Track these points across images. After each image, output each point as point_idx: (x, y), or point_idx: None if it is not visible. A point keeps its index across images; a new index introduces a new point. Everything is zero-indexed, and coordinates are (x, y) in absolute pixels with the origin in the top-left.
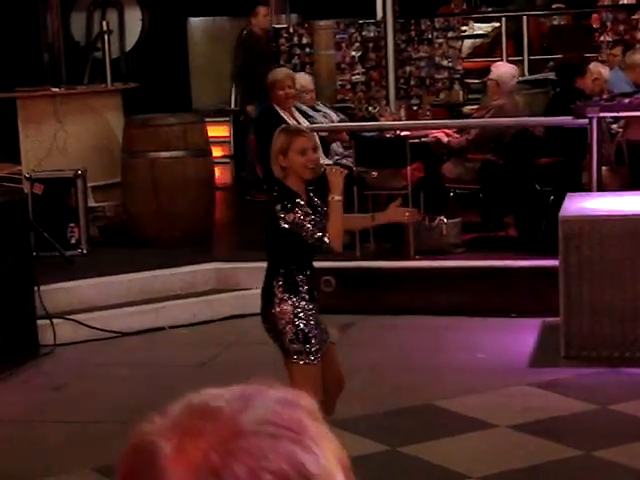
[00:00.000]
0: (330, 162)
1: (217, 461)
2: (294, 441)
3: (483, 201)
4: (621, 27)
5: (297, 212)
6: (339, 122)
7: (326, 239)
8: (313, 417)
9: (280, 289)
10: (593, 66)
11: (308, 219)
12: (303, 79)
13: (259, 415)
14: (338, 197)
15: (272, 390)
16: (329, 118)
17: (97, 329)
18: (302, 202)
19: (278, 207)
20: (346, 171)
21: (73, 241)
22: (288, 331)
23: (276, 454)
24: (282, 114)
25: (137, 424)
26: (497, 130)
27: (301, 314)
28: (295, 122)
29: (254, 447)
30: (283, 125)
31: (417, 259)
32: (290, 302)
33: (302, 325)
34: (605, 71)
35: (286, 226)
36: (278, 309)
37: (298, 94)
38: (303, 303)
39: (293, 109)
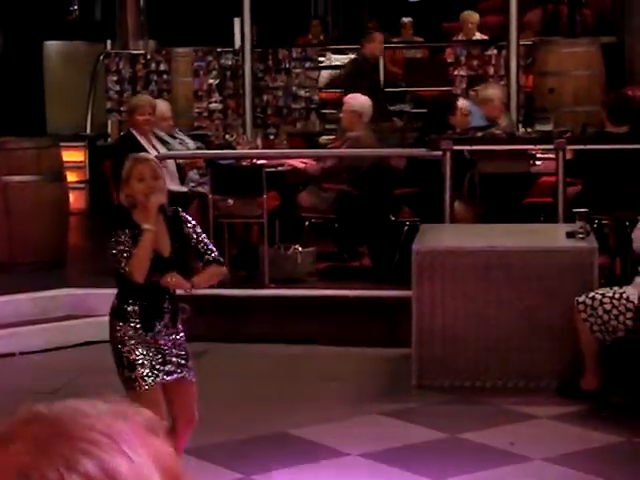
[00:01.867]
0: (185, 189)
1: (28, 462)
2: (110, 447)
3: (338, 231)
4: (475, 62)
5: (114, 242)
6: (195, 150)
7: (127, 268)
8: (142, 429)
9: (113, 316)
10: (461, 103)
11: (121, 249)
12: (163, 106)
13: (84, 422)
14: (146, 226)
15: (107, 404)
16: (186, 146)
17: None
18: (124, 233)
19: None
20: (161, 201)
21: None
22: (117, 359)
23: (88, 457)
24: (140, 139)
25: None
26: (353, 161)
27: (128, 341)
28: (152, 148)
29: (68, 450)
30: (131, 154)
31: (272, 287)
32: (118, 329)
33: (127, 353)
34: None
35: (111, 254)
36: (111, 336)
37: (157, 121)
38: (131, 332)
39: (151, 135)
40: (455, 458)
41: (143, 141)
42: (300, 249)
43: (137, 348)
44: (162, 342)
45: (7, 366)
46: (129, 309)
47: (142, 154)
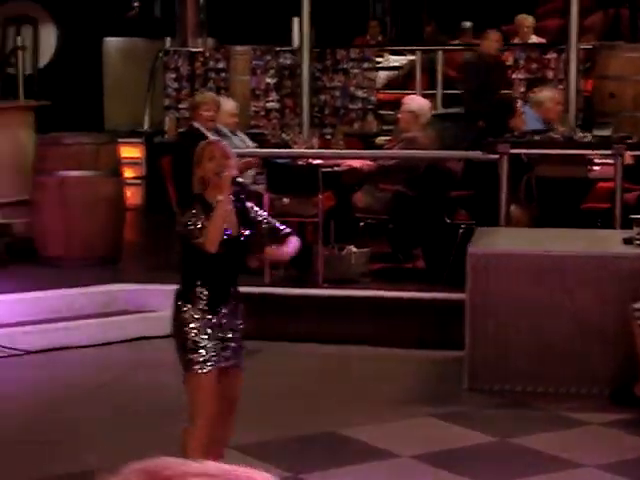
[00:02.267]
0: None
1: None
2: None
3: (393, 232)
4: (534, 65)
5: (187, 215)
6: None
7: (200, 239)
8: None
9: (179, 298)
10: (520, 105)
11: (195, 220)
12: (230, 103)
13: None
14: (220, 197)
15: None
16: (245, 144)
17: (2, 347)
18: (196, 208)
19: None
20: (234, 174)
21: None
22: (180, 340)
23: None
24: (206, 133)
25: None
26: (409, 162)
27: (194, 323)
28: None
29: None
30: (206, 140)
31: (325, 287)
32: (185, 310)
33: (192, 335)
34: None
35: (178, 229)
36: (175, 317)
37: (223, 117)
38: (197, 315)
39: (213, 133)
40: (506, 463)
41: (208, 135)
42: (354, 249)
43: (201, 331)
44: (225, 327)
45: (62, 360)
46: (197, 290)
47: (210, 140)
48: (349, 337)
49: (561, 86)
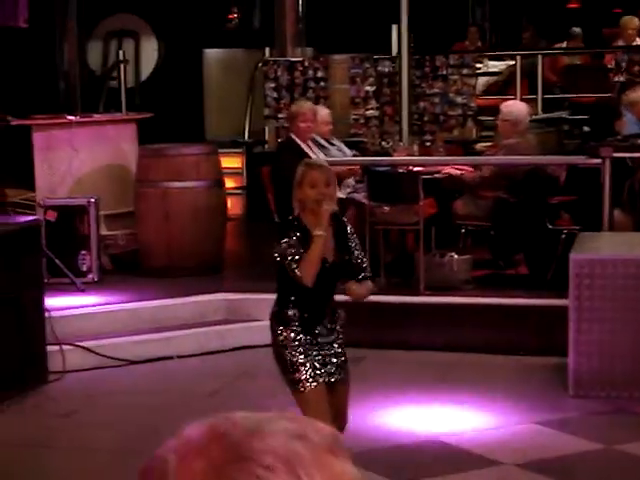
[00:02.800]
0: (342, 196)
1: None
2: (286, 473)
3: (494, 238)
4: (636, 68)
5: (282, 245)
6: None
7: (297, 272)
8: (322, 450)
9: (274, 320)
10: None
11: (290, 253)
12: (324, 111)
13: (262, 445)
14: (318, 232)
15: (286, 421)
16: (343, 153)
17: (106, 357)
18: (296, 236)
19: (279, 239)
20: (333, 208)
21: (84, 268)
22: (280, 362)
23: (276, 476)
24: (302, 145)
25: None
26: (510, 168)
27: (290, 344)
28: (313, 154)
29: (246, 474)
30: (305, 159)
31: (427, 294)
32: (279, 332)
33: (289, 356)
34: None
35: (277, 257)
36: (273, 340)
37: (318, 125)
38: (292, 335)
39: (310, 142)
40: (611, 470)
41: (305, 148)
42: (456, 256)
43: (299, 350)
44: (322, 343)
45: (166, 369)
46: (290, 313)
47: (316, 159)
48: (452, 344)
49: None
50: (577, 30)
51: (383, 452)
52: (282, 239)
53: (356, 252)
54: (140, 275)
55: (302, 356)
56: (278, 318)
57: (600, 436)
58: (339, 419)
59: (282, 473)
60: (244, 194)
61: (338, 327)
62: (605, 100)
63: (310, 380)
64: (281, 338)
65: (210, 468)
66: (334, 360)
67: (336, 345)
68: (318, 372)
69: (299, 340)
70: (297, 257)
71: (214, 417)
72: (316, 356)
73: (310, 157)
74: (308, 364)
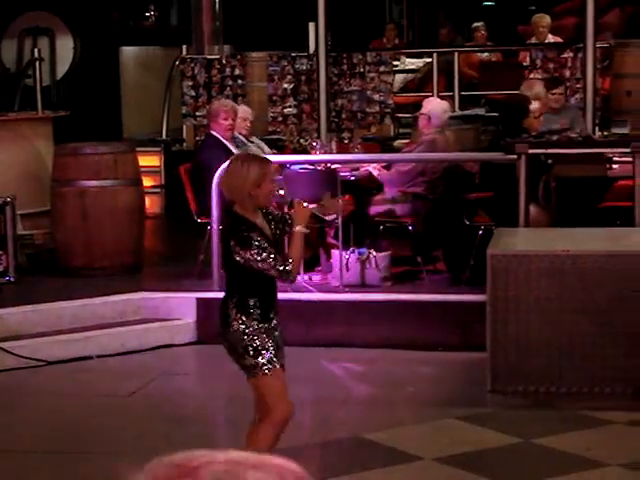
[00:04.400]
0: None
1: None
2: None
3: (413, 235)
4: (550, 65)
5: (253, 249)
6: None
7: (288, 268)
8: None
9: (233, 310)
10: (533, 105)
11: (266, 254)
12: (243, 109)
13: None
14: (301, 229)
15: (253, 471)
16: (262, 150)
17: (24, 357)
18: (258, 237)
19: (232, 242)
20: (312, 206)
21: (1, 269)
22: (241, 348)
23: None
24: (225, 142)
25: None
26: (428, 165)
27: (252, 331)
28: (235, 150)
29: None
30: (248, 153)
31: (346, 291)
32: (242, 321)
33: (250, 342)
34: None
35: (240, 261)
36: (232, 329)
37: (238, 122)
38: (254, 322)
39: (231, 140)
40: (530, 463)
41: (227, 144)
42: (374, 253)
43: (261, 337)
44: (274, 329)
45: (85, 369)
46: (250, 302)
47: (255, 154)
48: (371, 341)
49: (578, 85)
50: (479, 24)
51: (303, 450)
52: (239, 244)
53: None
54: (58, 275)
55: (263, 342)
56: (238, 307)
57: (518, 430)
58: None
59: None
60: (162, 193)
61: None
62: (515, 97)
63: (272, 364)
64: (243, 326)
65: None
66: (281, 344)
67: (282, 333)
68: (275, 357)
69: (260, 327)
70: (273, 255)
71: (178, 458)
72: (272, 341)
73: (231, 153)
74: (270, 349)
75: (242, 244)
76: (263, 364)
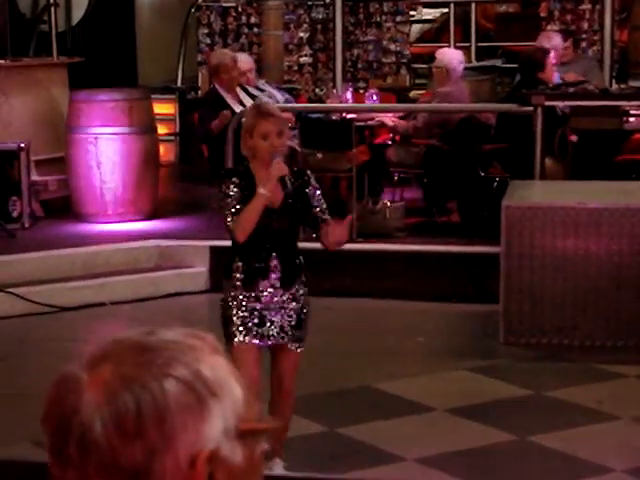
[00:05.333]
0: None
1: (127, 373)
2: (195, 357)
3: (427, 186)
4: (568, 17)
5: (224, 194)
6: (284, 102)
7: (230, 225)
8: (213, 349)
9: (222, 271)
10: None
11: (226, 204)
12: (244, 58)
13: (164, 337)
14: (262, 191)
15: (179, 328)
16: (274, 98)
17: (37, 303)
18: (237, 185)
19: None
20: (283, 172)
21: (15, 215)
22: (221, 315)
23: (178, 363)
24: (226, 97)
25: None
26: (443, 116)
27: (228, 297)
28: (239, 104)
29: (159, 358)
30: (256, 102)
31: (359, 242)
32: (224, 284)
33: (226, 309)
34: None
35: (220, 204)
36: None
37: (241, 75)
38: (232, 288)
39: (239, 90)
40: (541, 415)
41: (229, 99)
42: (389, 204)
43: (234, 305)
44: (264, 302)
45: (98, 315)
46: (233, 265)
47: (267, 105)
48: (384, 291)
49: (596, 37)
50: None
51: (316, 399)
52: (222, 186)
53: (316, 206)
54: (72, 221)
55: (235, 310)
56: (224, 269)
57: (529, 382)
58: (279, 389)
59: (192, 358)
60: (176, 140)
61: (295, 289)
62: (533, 49)
63: (237, 336)
64: (224, 290)
65: (119, 365)
66: (275, 322)
67: (286, 307)
68: (246, 330)
69: (237, 294)
70: (233, 210)
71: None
72: (253, 312)
73: (233, 109)
74: (237, 320)
75: (221, 186)
76: (232, 334)
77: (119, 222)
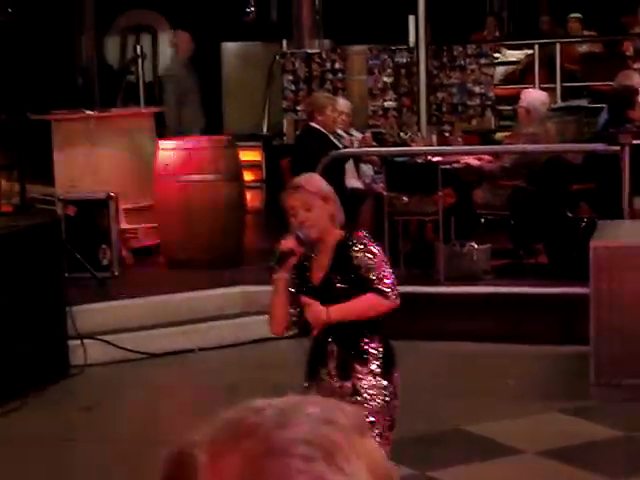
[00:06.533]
0: (361, 186)
1: (248, 477)
2: (325, 462)
3: (514, 228)
4: None
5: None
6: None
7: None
8: (353, 433)
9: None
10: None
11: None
12: (344, 102)
13: (294, 433)
14: (275, 275)
15: (311, 406)
16: (355, 139)
17: (127, 350)
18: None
19: None
20: (293, 248)
21: (105, 263)
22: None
23: (305, 475)
24: (328, 134)
25: (180, 439)
26: (529, 157)
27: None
28: (338, 143)
29: (284, 467)
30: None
31: (447, 284)
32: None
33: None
34: None
35: None
36: None
37: (338, 117)
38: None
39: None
40: (633, 457)
41: (331, 137)
42: (475, 246)
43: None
44: (324, 392)
45: (186, 362)
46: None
47: (296, 179)
48: (472, 334)
49: None
50: (573, 15)
51: (407, 442)
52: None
53: (363, 269)
54: (160, 269)
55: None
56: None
57: (621, 423)
58: None
59: (321, 463)
60: (263, 187)
61: (355, 374)
62: (619, 88)
63: (305, 381)
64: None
65: (246, 463)
66: (333, 364)
67: (347, 395)
68: (307, 375)
69: (304, 383)
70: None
71: (235, 409)
72: (312, 358)
73: (337, 146)
74: (308, 367)
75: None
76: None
77: (206, 269)
